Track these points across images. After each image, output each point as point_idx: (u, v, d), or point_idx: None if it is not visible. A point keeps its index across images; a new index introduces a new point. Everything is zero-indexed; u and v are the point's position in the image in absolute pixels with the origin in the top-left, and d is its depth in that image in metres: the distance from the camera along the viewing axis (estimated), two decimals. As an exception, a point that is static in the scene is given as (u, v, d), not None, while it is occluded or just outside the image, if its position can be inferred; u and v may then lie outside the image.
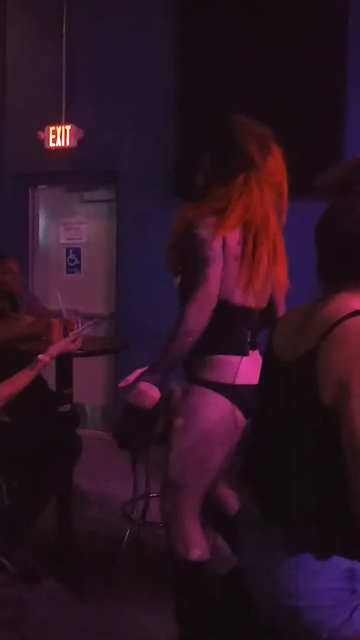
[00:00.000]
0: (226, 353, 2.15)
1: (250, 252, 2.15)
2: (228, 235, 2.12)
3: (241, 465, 1.55)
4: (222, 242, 2.10)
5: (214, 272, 2.08)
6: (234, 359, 2.15)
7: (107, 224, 5.49)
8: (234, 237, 2.13)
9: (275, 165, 2.21)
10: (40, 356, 2.61)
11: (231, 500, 2.43)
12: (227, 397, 2.12)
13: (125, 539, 3.16)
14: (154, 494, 3.31)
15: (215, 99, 4.44)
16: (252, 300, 2.21)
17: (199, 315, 2.07)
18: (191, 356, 2.20)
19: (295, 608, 1.30)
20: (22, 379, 2.56)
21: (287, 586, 1.31)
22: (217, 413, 2.12)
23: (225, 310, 2.15)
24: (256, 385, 2.11)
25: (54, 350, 2.66)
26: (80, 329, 2.87)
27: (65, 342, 2.72)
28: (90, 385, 4.98)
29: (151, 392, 2.09)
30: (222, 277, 2.12)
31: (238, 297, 2.18)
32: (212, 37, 4.64)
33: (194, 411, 2.14)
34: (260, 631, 1.40)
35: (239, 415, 2.14)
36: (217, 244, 2.09)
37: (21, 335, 2.99)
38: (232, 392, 2.12)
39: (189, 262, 2.12)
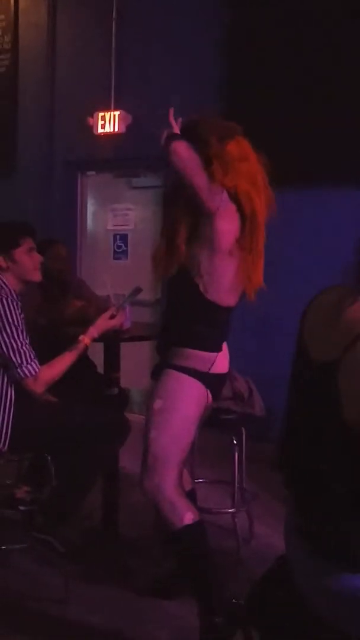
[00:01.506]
0: (205, 350, 2.30)
1: (248, 240, 2.26)
2: (235, 222, 2.23)
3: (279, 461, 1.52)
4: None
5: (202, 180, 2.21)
6: (211, 355, 2.32)
7: (155, 210, 5.49)
8: (231, 232, 2.24)
9: (240, 152, 2.30)
10: (81, 337, 2.63)
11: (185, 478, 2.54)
12: (201, 382, 2.30)
13: (170, 523, 3.17)
14: (199, 480, 3.33)
15: (264, 86, 4.41)
16: (234, 299, 2.33)
17: (189, 168, 2.25)
18: (169, 346, 2.34)
19: (342, 600, 1.29)
20: (63, 362, 2.59)
21: (334, 579, 1.29)
22: (192, 395, 2.30)
23: (212, 311, 2.29)
24: (225, 373, 2.37)
25: (94, 330, 2.66)
26: (117, 304, 2.79)
27: (104, 319, 2.70)
28: (136, 370, 5.01)
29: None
30: (219, 282, 2.25)
31: (227, 299, 2.31)
32: (262, 26, 4.58)
33: (171, 393, 2.30)
34: (303, 619, 1.39)
35: (210, 397, 2.35)
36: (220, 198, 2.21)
37: (71, 320, 3.04)
38: (206, 379, 2.30)
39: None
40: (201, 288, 2.25)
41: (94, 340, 2.68)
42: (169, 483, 2.29)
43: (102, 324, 2.69)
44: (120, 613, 2.58)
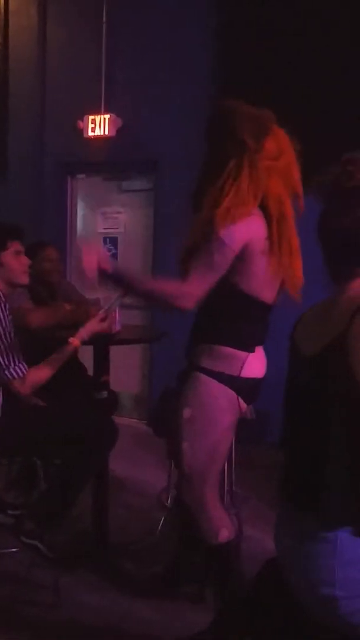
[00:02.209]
0: (235, 347, 2.15)
1: (276, 244, 2.13)
2: (253, 232, 2.10)
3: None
4: (245, 242, 2.08)
5: (207, 278, 2.08)
6: (242, 354, 2.17)
7: (145, 213, 5.50)
8: (259, 232, 2.12)
9: (278, 147, 2.17)
10: (70, 339, 2.62)
11: None
12: (231, 388, 2.16)
13: (160, 526, 3.18)
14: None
15: (256, 88, 4.40)
16: (270, 296, 2.21)
17: (164, 298, 2.14)
18: (197, 343, 2.22)
19: (332, 597, 1.30)
20: (52, 364, 2.58)
21: (324, 576, 1.31)
22: (223, 402, 2.17)
23: (244, 303, 2.16)
24: (259, 378, 2.20)
25: (83, 332, 2.64)
26: (106, 307, 2.75)
27: (94, 322, 2.67)
28: (126, 373, 5.01)
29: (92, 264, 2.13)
30: (252, 273, 2.12)
31: (262, 292, 2.17)
32: (254, 28, 4.59)
33: (200, 402, 2.17)
34: (298, 620, 1.39)
35: (242, 403, 2.21)
36: (229, 248, 2.06)
37: (60, 323, 3.02)
38: (236, 383, 2.16)
39: (200, 256, 2.10)
40: (232, 280, 2.11)
41: (84, 343, 2.68)
42: (209, 496, 2.22)
43: (92, 326, 2.68)
44: (110, 616, 2.57)
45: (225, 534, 2.22)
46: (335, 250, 1.43)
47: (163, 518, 3.21)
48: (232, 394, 2.16)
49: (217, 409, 2.16)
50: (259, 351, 2.23)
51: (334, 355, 1.31)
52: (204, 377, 2.17)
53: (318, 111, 4.19)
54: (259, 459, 3.97)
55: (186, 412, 2.18)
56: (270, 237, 2.13)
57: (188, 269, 2.11)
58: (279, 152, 2.16)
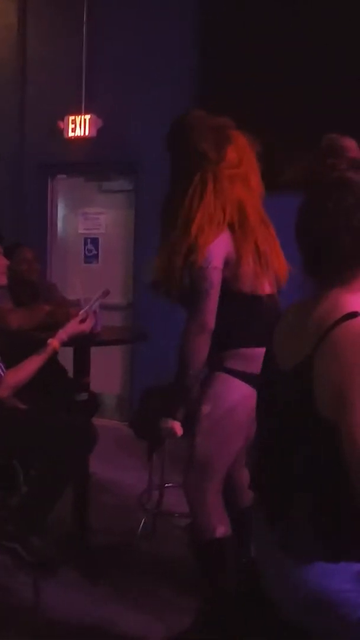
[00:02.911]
0: (255, 346, 2.16)
1: (242, 249, 2.19)
2: (228, 244, 2.17)
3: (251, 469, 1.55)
4: (225, 255, 2.16)
5: (209, 303, 2.15)
6: (261, 350, 2.18)
7: (126, 214, 5.48)
8: (226, 242, 2.18)
9: (238, 154, 2.22)
10: (50, 340, 2.58)
11: (245, 494, 2.46)
12: (250, 384, 2.16)
13: (140, 528, 3.17)
14: (169, 484, 3.32)
15: (237, 89, 4.42)
16: (270, 288, 2.27)
17: (196, 349, 2.17)
18: (217, 349, 2.23)
19: (307, 606, 1.29)
20: (30, 365, 2.54)
21: (299, 586, 1.29)
22: (240, 399, 2.21)
23: (253, 302, 2.22)
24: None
25: (63, 333, 2.61)
26: (86, 308, 2.73)
27: (74, 323, 2.65)
28: (107, 374, 5.00)
29: (176, 427, 2.23)
30: (243, 274, 2.19)
31: (263, 287, 2.24)
32: (237, 27, 4.60)
33: (218, 397, 2.23)
34: (277, 623, 1.39)
35: None
36: (213, 269, 2.14)
37: (40, 324, 3.00)
38: (255, 380, 2.15)
39: (190, 292, 2.18)
40: (232, 287, 2.19)
41: (63, 344, 2.65)
42: (211, 491, 2.25)
43: (72, 327, 2.65)
44: (91, 618, 2.56)
45: (222, 530, 2.25)
46: (312, 250, 1.33)
47: (144, 519, 3.20)
48: (250, 390, 2.16)
49: (235, 405, 2.21)
50: None
51: (303, 377, 1.25)
52: (225, 376, 2.23)
53: (299, 111, 4.21)
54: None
55: (205, 409, 2.24)
56: (235, 243, 2.19)
57: (189, 306, 2.19)
58: (239, 160, 2.22)
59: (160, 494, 3.30)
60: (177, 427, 2.21)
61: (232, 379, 2.22)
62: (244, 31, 4.55)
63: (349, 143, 1.33)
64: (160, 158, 5.09)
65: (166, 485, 3.31)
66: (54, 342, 2.59)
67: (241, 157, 2.22)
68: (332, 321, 1.23)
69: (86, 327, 2.68)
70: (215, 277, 2.15)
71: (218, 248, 2.15)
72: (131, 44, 5.16)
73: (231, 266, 2.19)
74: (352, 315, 1.22)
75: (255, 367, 2.08)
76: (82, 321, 2.67)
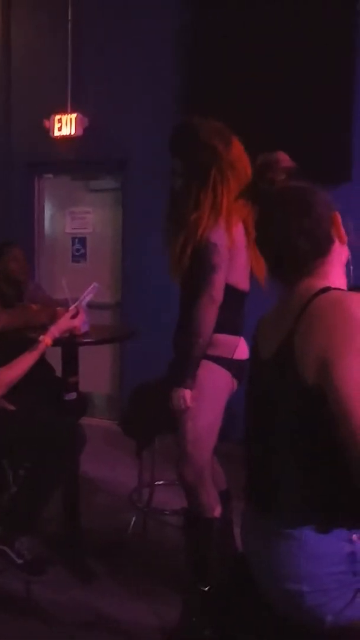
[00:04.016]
0: (228, 333, 2.38)
1: (252, 238, 2.33)
2: (234, 230, 2.33)
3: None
4: (230, 241, 2.32)
5: (219, 278, 2.30)
6: (234, 338, 2.41)
7: (113, 213, 5.48)
8: (239, 229, 2.36)
9: (238, 153, 2.37)
10: (41, 337, 2.57)
11: (219, 477, 2.64)
12: (226, 369, 2.39)
13: (131, 526, 3.18)
14: (160, 482, 3.33)
15: (223, 89, 4.43)
16: (247, 286, 2.46)
17: (205, 319, 2.29)
18: None
19: (298, 592, 1.31)
20: (23, 363, 2.53)
21: (290, 571, 1.32)
22: (221, 383, 2.40)
23: (231, 295, 2.37)
24: (246, 360, 2.33)
25: (55, 330, 2.60)
26: (76, 303, 2.73)
27: (65, 319, 2.65)
28: (96, 373, 5.00)
29: (187, 396, 2.32)
30: (233, 266, 2.34)
31: (243, 283, 2.42)
32: (224, 27, 4.59)
33: (202, 383, 2.34)
34: (265, 616, 1.40)
35: (235, 383, 2.45)
36: (225, 248, 2.30)
37: (27, 324, 2.99)
38: (231, 364, 2.39)
39: (196, 267, 2.31)
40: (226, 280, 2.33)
41: (55, 342, 2.64)
42: (206, 472, 2.40)
43: (64, 323, 2.65)
44: (82, 617, 2.56)
45: (219, 510, 2.40)
46: (271, 257, 1.46)
47: (134, 518, 3.21)
48: (227, 374, 2.40)
49: (217, 389, 2.39)
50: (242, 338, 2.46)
51: (285, 356, 1.33)
52: (204, 362, 2.35)
53: (287, 115, 4.23)
54: (228, 454, 3.98)
55: (192, 394, 2.34)
56: (246, 230, 2.37)
57: (196, 280, 2.31)
58: (239, 157, 2.37)
59: (151, 491, 3.30)
60: (188, 396, 2.30)
61: (211, 364, 2.36)
62: (232, 29, 4.54)
63: (281, 155, 1.49)
64: (148, 156, 5.13)
65: (156, 483, 3.31)
66: (46, 339, 2.57)
67: (240, 155, 2.37)
68: (307, 298, 1.34)
69: (78, 322, 2.70)
70: (225, 256, 2.30)
71: (230, 230, 2.31)
72: (116, 42, 5.15)
73: (232, 255, 2.33)
74: (325, 289, 1.35)
75: (230, 353, 2.38)
76: (73, 317, 2.68)
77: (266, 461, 1.41)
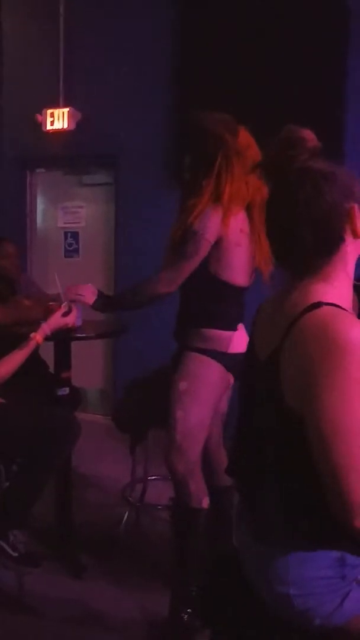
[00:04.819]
0: (221, 328, 2.38)
1: (256, 231, 2.36)
2: (232, 220, 2.31)
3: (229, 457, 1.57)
4: (219, 235, 2.30)
5: (186, 267, 2.31)
6: (227, 333, 2.40)
7: (106, 207, 5.46)
8: (235, 226, 2.32)
9: (246, 141, 2.37)
10: (33, 334, 2.56)
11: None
12: (221, 363, 2.38)
13: (124, 521, 3.18)
14: (153, 477, 3.33)
15: (215, 83, 4.42)
16: (246, 280, 2.43)
17: (151, 294, 2.36)
18: (186, 327, 2.44)
19: (287, 596, 1.30)
20: (13, 360, 2.53)
21: (279, 574, 1.31)
22: (214, 376, 2.40)
23: (225, 290, 2.37)
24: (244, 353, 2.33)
25: (46, 327, 2.59)
26: (67, 301, 2.70)
27: (57, 316, 2.64)
28: (88, 369, 4.99)
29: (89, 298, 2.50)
30: (226, 261, 2.34)
31: (238, 279, 2.39)
32: (214, 20, 4.59)
33: (195, 375, 2.38)
34: (256, 611, 1.40)
35: (230, 377, 2.46)
36: (205, 241, 2.29)
37: (20, 320, 2.98)
38: (225, 358, 2.39)
39: (179, 247, 2.33)
40: (212, 270, 2.34)
41: (46, 338, 2.63)
42: (196, 462, 2.41)
43: (55, 321, 2.64)
44: (74, 612, 2.56)
45: (206, 501, 2.41)
46: (278, 242, 1.35)
47: (127, 513, 3.21)
48: (222, 368, 2.39)
49: (210, 381, 2.39)
50: (241, 328, 2.44)
51: (270, 370, 1.27)
52: (197, 355, 2.38)
53: (274, 104, 4.22)
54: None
55: (182, 385, 2.38)
56: (252, 224, 2.38)
57: (166, 260, 2.37)
58: (247, 145, 2.37)
59: (144, 486, 3.30)
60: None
61: (205, 358, 2.38)
62: (223, 23, 4.53)
63: (307, 134, 1.34)
64: (140, 151, 5.11)
65: (149, 478, 3.31)
66: (37, 336, 2.57)
67: (249, 143, 2.37)
68: (298, 312, 1.24)
69: (70, 320, 2.68)
70: (201, 246, 2.29)
71: (217, 223, 2.28)
72: (109, 35, 5.12)
73: (223, 250, 2.32)
74: (316, 305, 1.22)
75: (224, 347, 2.38)
76: (66, 314, 2.66)
77: (250, 466, 1.38)
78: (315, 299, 1.24)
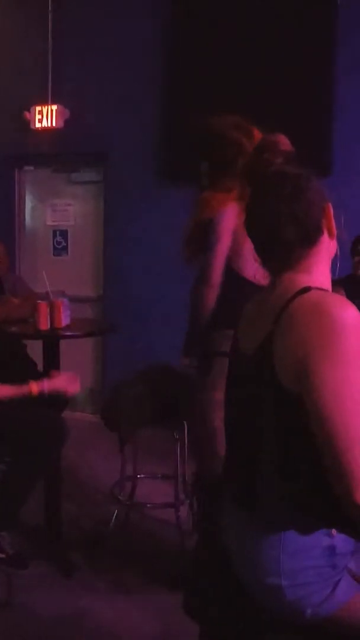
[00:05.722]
0: None
1: None
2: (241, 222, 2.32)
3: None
4: (236, 224, 2.36)
5: (214, 258, 2.40)
6: None
7: (95, 205, 5.45)
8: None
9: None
10: (31, 384, 2.52)
11: None
12: None
13: (113, 519, 3.17)
14: (142, 475, 3.33)
15: (202, 80, 4.43)
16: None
17: (199, 302, 2.44)
18: (211, 331, 2.46)
19: (278, 586, 1.31)
20: (2, 391, 2.49)
21: (270, 566, 1.32)
22: None
23: (248, 287, 2.30)
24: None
25: (47, 385, 2.55)
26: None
27: (62, 379, 2.61)
28: (78, 367, 4.97)
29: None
30: (246, 258, 2.33)
31: (260, 276, 2.33)
32: (201, 18, 4.59)
33: (220, 375, 2.35)
34: (247, 609, 1.41)
35: None
36: (225, 229, 2.38)
37: (8, 318, 2.97)
38: None
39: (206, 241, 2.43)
40: (234, 267, 2.42)
41: (41, 394, 2.57)
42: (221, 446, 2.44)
43: (59, 382, 2.60)
44: (63, 612, 2.56)
45: None
46: (258, 241, 1.42)
47: (116, 512, 3.21)
48: None
49: None
50: None
51: (263, 357, 1.31)
52: (221, 358, 2.30)
53: (263, 108, 4.23)
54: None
55: (218, 395, 2.30)
56: None
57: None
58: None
59: (133, 485, 3.30)
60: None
61: (226, 360, 2.36)
62: (212, 22, 4.54)
63: (281, 138, 1.47)
64: (129, 148, 5.10)
65: (139, 476, 3.31)
66: (33, 387, 2.53)
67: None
68: (287, 298, 1.31)
69: (73, 389, 2.64)
70: (225, 235, 2.38)
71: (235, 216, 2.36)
72: (98, 33, 5.11)
73: (239, 243, 2.37)
74: (306, 289, 1.30)
75: None
76: (73, 382, 2.62)
77: (246, 458, 1.39)
78: (303, 285, 1.32)
